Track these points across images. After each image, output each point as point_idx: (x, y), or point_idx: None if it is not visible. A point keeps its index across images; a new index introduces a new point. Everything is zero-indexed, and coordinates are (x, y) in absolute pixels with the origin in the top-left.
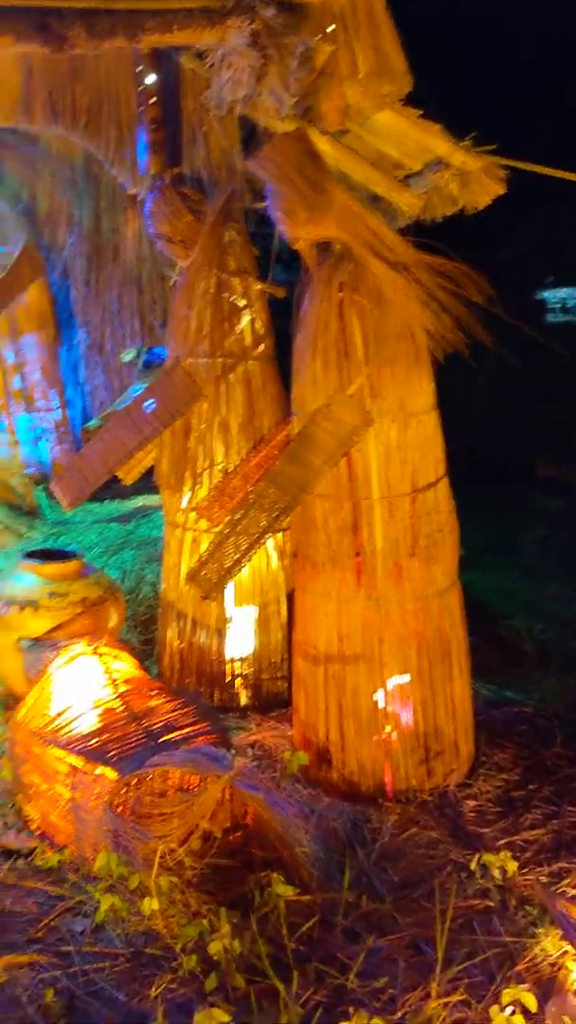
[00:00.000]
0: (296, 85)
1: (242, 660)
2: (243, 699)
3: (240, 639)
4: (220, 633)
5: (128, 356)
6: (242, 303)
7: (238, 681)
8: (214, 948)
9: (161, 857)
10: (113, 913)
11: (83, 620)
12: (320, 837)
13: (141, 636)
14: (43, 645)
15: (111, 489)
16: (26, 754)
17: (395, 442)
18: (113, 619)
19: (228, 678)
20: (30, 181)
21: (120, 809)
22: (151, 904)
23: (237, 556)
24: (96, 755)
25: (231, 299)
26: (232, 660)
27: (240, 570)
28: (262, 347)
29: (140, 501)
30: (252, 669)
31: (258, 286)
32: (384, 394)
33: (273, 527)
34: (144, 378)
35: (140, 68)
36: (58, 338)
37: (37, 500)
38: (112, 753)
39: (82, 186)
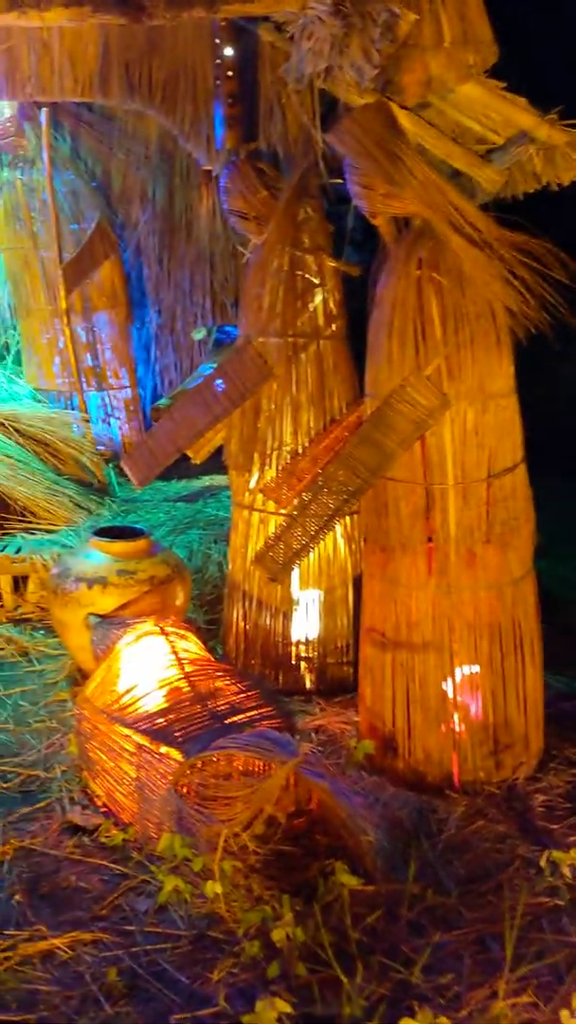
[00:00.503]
0: (378, 56)
1: (307, 644)
2: (308, 683)
3: (305, 622)
4: (285, 616)
5: (199, 334)
6: (316, 281)
7: (303, 665)
8: (277, 935)
9: (225, 841)
10: (176, 894)
11: (150, 598)
12: (385, 826)
13: (206, 616)
14: (111, 622)
15: (179, 468)
16: (93, 731)
17: (472, 425)
18: (180, 598)
19: (293, 661)
20: (105, 158)
21: (184, 791)
22: (214, 887)
23: (305, 539)
24: (162, 735)
25: (304, 277)
26: (297, 643)
27: (308, 553)
28: (335, 326)
29: (208, 481)
30: (317, 653)
31: (332, 264)
32: (462, 375)
33: (342, 511)
34: (215, 357)
35: (217, 41)
36: (130, 316)
37: (107, 478)
38: (178, 733)
39: (157, 163)
